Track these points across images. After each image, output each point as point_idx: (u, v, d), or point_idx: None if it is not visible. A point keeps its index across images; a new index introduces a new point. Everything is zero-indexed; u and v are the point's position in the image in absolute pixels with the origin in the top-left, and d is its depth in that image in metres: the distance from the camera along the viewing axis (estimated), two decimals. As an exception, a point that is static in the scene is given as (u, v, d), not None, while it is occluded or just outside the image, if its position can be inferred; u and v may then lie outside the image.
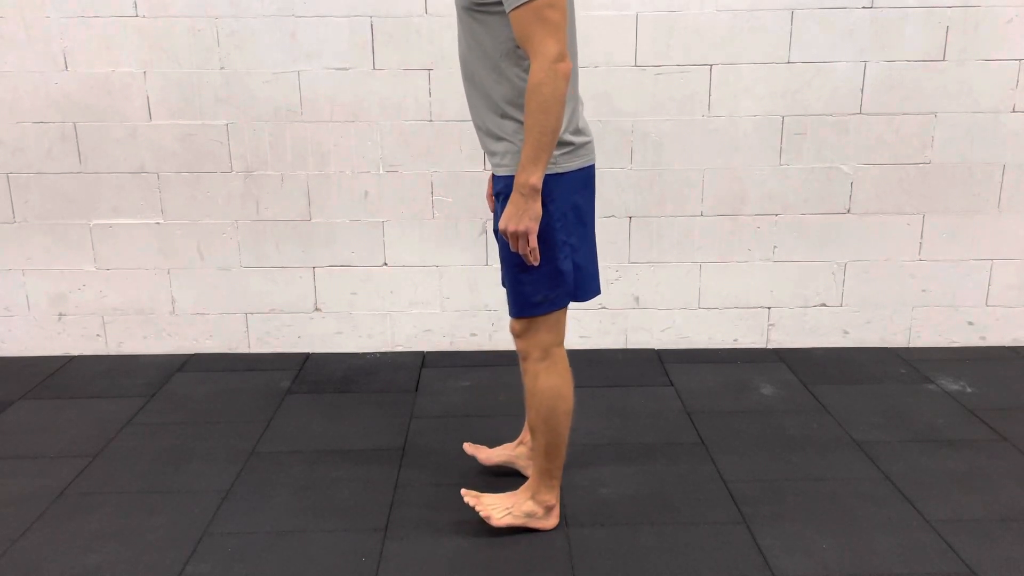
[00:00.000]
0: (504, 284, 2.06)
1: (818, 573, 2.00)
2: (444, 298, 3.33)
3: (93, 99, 3.11)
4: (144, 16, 3.04)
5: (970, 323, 3.35)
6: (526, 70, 1.84)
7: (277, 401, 2.95)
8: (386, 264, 3.30)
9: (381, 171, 3.20)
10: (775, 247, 3.28)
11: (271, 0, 3.03)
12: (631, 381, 3.09)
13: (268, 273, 3.29)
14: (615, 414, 2.83)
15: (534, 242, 1.86)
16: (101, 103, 3.12)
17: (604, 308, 3.34)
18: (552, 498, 2.15)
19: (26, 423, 2.80)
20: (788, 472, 2.45)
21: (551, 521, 2.17)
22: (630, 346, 3.39)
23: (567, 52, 1.77)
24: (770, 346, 3.38)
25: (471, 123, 3.01)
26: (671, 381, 3.08)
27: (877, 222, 3.25)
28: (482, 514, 2.12)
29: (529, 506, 2.14)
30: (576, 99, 1.96)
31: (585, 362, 3.24)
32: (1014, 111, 3.15)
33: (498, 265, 2.90)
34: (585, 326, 3.36)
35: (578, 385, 3.02)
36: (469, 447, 2.44)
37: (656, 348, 3.38)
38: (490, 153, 1.97)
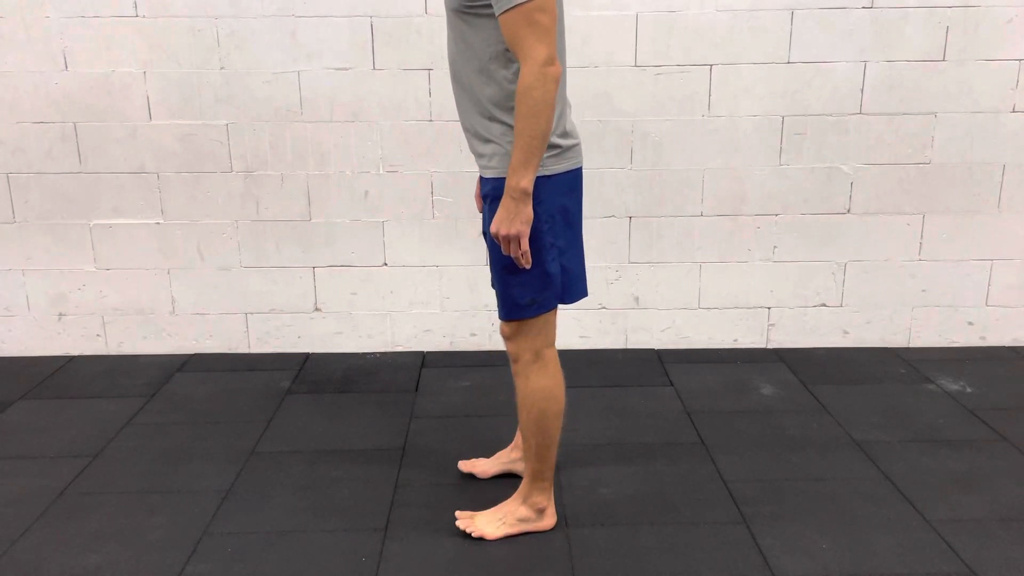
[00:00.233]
0: (493, 286, 2.06)
1: (818, 573, 2.00)
2: (444, 298, 3.33)
3: (93, 99, 3.11)
4: (144, 16, 3.04)
5: (970, 323, 3.35)
6: (515, 73, 1.84)
7: (277, 401, 2.95)
8: (386, 264, 3.30)
9: (381, 171, 3.20)
10: (775, 247, 3.28)
11: (271, 0, 3.03)
12: (631, 381, 3.09)
13: (268, 273, 3.29)
14: (615, 414, 2.83)
15: (525, 245, 1.86)
16: (101, 103, 3.12)
17: (604, 308, 3.34)
18: (543, 500, 2.15)
19: (26, 423, 2.80)
20: (788, 472, 2.45)
21: (546, 522, 2.17)
22: (630, 346, 3.39)
23: (556, 56, 1.77)
24: (770, 346, 3.38)
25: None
26: (671, 381, 3.08)
27: (877, 222, 3.26)
28: (475, 535, 2.13)
29: (522, 511, 2.15)
30: (564, 102, 1.96)
31: (585, 362, 3.25)
32: (1014, 111, 3.15)
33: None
34: (585, 326, 3.36)
35: (578, 385, 3.05)
36: (464, 465, 2.44)
37: (656, 348, 3.38)
38: (478, 155, 1.97)
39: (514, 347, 2.04)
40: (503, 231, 1.85)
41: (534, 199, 1.88)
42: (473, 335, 3.37)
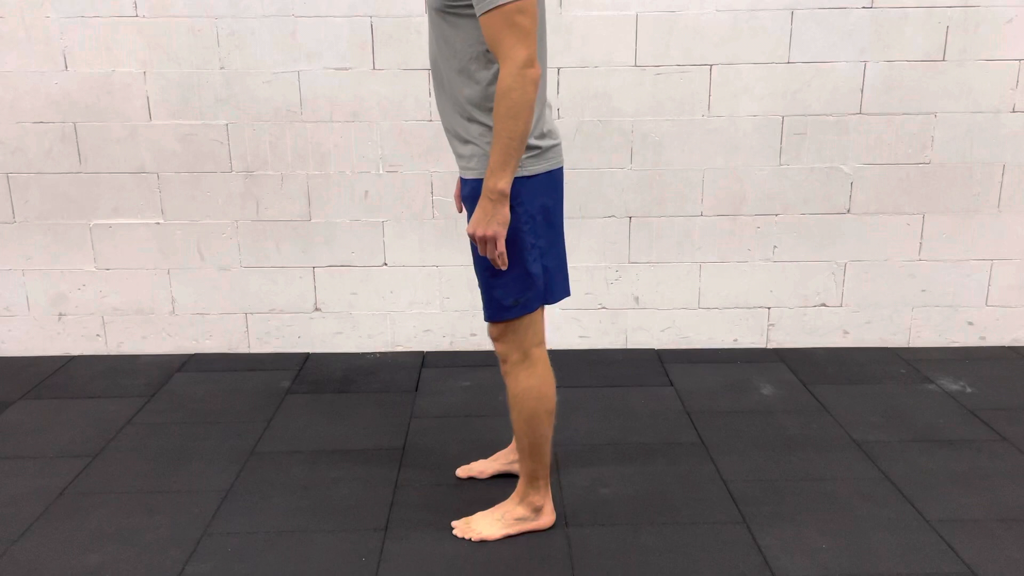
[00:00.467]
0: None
1: (818, 573, 2.00)
2: (444, 298, 3.33)
3: (93, 99, 3.11)
4: (144, 16, 3.04)
5: (970, 323, 3.35)
6: (495, 74, 1.84)
7: (277, 401, 2.95)
8: (386, 264, 3.30)
9: (381, 171, 3.20)
10: (775, 247, 3.28)
11: (271, 0, 3.03)
12: (631, 381, 3.09)
13: (268, 273, 3.29)
14: (615, 414, 2.83)
15: (502, 247, 1.86)
16: (101, 103, 3.12)
17: (604, 308, 3.34)
18: (540, 498, 2.15)
19: (26, 423, 2.80)
20: (788, 472, 2.45)
21: (544, 520, 2.17)
22: (630, 346, 3.39)
23: (536, 58, 1.77)
24: (770, 346, 3.38)
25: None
26: (671, 381, 3.08)
27: (877, 222, 3.26)
28: (476, 540, 2.12)
29: (519, 511, 2.15)
30: (543, 103, 1.96)
31: (585, 362, 3.25)
32: (1014, 111, 3.15)
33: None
34: (585, 326, 3.36)
35: (578, 385, 3.05)
36: (463, 471, 2.44)
37: (656, 348, 3.38)
38: (458, 156, 1.98)
39: (502, 348, 2.05)
40: (479, 232, 1.85)
41: (514, 200, 1.88)
42: (473, 335, 3.37)
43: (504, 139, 1.78)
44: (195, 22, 3.05)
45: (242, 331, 3.35)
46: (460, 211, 2.21)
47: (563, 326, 3.35)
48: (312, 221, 3.24)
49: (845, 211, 3.24)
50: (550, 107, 2.04)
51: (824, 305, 3.35)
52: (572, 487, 2.38)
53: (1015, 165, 3.20)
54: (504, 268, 1.91)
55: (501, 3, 1.71)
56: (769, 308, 3.35)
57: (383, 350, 3.39)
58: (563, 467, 2.48)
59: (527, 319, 2.01)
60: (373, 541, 2.14)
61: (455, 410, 2.87)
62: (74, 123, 3.13)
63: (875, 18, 3.06)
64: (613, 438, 2.67)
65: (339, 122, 3.14)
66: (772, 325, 3.36)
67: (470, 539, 2.13)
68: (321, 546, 2.12)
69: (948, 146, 3.18)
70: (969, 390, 2.98)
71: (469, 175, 1.94)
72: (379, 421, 2.80)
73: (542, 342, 2.07)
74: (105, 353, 3.36)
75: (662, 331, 3.37)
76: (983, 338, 3.37)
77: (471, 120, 1.90)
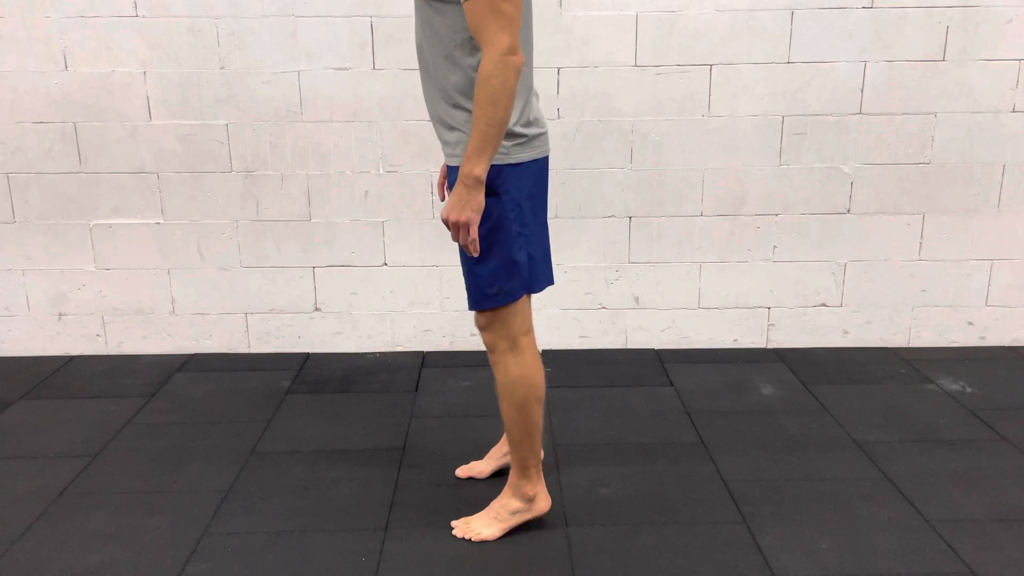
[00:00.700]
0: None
1: (818, 573, 2.00)
2: (444, 298, 3.33)
3: (93, 99, 3.11)
4: (144, 16, 3.04)
5: (970, 323, 3.35)
6: (479, 61, 1.83)
7: (277, 401, 2.95)
8: (386, 264, 3.30)
9: (381, 171, 3.20)
10: (775, 247, 3.28)
11: (271, 0, 3.03)
12: (631, 381, 3.09)
13: (268, 273, 3.29)
14: (615, 414, 2.83)
15: (475, 233, 1.85)
16: (101, 103, 3.12)
17: (604, 308, 3.34)
18: (531, 487, 2.14)
19: (26, 423, 2.80)
20: (788, 472, 2.45)
21: (540, 507, 2.16)
22: (630, 346, 3.39)
23: (519, 45, 1.76)
24: (770, 346, 3.38)
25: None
26: (671, 381, 3.08)
27: (877, 222, 3.26)
28: (476, 540, 2.12)
29: (514, 504, 2.14)
30: (530, 91, 1.96)
31: (585, 362, 3.25)
32: (1014, 111, 3.15)
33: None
34: (585, 326, 3.36)
35: (578, 385, 3.05)
36: (462, 471, 2.44)
37: (656, 348, 3.38)
38: (443, 142, 1.98)
39: (490, 337, 2.04)
40: (452, 217, 1.84)
41: (501, 188, 1.89)
42: (473, 335, 3.37)
43: (483, 125, 1.77)
44: (195, 22, 3.05)
45: (242, 331, 3.35)
46: (443, 199, 2.20)
47: (563, 326, 3.35)
48: (312, 221, 3.24)
49: (845, 211, 3.24)
50: (537, 96, 2.04)
51: (824, 305, 3.35)
52: (572, 487, 2.38)
53: (1015, 165, 3.20)
54: (476, 255, 1.90)
55: None
56: (769, 308, 3.35)
57: (383, 350, 3.39)
58: (563, 467, 2.48)
59: (513, 307, 2.00)
60: (373, 541, 2.14)
61: (455, 410, 2.87)
62: (74, 123, 3.13)
63: (875, 18, 3.06)
64: (613, 438, 2.67)
65: (339, 122, 3.14)
66: (772, 325, 3.36)
67: (470, 539, 2.13)
68: (321, 546, 2.12)
69: (948, 146, 3.18)
70: (969, 390, 2.98)
71: (454, 162, 1.94)
72: (379, 421, 2.80)
73: (530, 330, 2.07)
74: (105, 353, 3.36)
75: (662, 331, 3.37)
76: (983, 338, 3.37)
77: (456, 107, 1.90)
